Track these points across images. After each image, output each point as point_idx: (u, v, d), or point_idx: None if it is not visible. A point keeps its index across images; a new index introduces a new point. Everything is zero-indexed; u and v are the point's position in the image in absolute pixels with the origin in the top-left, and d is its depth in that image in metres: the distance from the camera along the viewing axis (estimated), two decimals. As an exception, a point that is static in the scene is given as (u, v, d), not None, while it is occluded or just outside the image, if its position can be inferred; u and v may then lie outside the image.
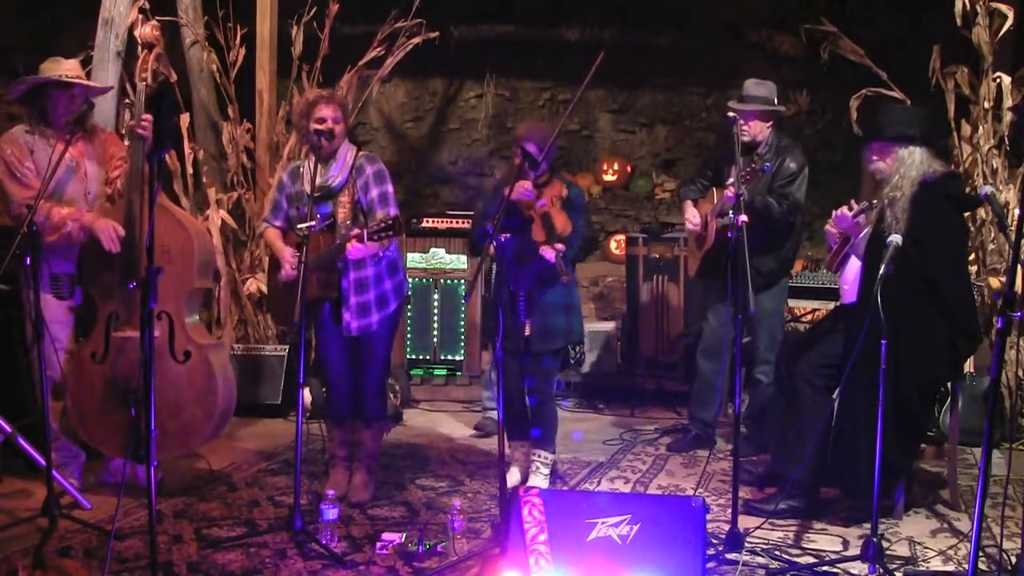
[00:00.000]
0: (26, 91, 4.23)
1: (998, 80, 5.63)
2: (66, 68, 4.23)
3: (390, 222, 3.90)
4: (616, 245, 8.26)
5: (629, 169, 9.06)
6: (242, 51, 6.51)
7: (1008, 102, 5.58)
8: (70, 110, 4.19)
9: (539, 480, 4.43)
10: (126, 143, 4.36)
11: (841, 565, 3.61)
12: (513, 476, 4.49)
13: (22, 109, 4.30)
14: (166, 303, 4.16)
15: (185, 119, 6.35)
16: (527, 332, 4.16)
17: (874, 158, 4.13)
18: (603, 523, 3.18)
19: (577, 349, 4.55)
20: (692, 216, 5.17)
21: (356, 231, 3.98)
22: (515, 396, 4.32)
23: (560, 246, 4.08)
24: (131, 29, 5.62)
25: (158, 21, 5.62)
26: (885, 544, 3.71)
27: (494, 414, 5.28)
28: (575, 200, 4.28)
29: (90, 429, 4.27)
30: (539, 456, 4.43)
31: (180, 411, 4.20)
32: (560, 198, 4.19)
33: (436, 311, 6.67)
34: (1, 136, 4.29)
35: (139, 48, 4.41)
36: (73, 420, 4.30)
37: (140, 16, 5.62)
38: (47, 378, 3.89)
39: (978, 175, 5.72)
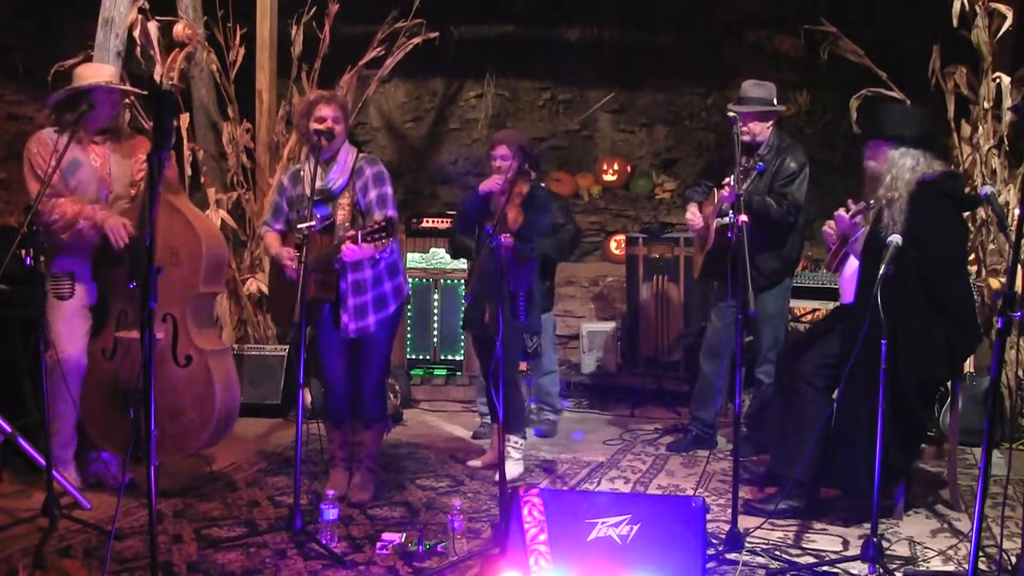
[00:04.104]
0: (66, 97, 4.23)
1: (998, 80, 5.63)
2: (108, 75, 4.31)
3: (383, 223, 3.89)
4: (616, 245, 8.26)
5: (629, 169, 9.05)
6: (242, 51, 6.51)
7: (1008, 102, 5.57)
8: (109, 115, 4.28)
9: (512, 465, 4.68)
10: None
11: (841, 565, 3.60)
12: (488, 457, 4.93)
13: (54, 113, 4.30)
14: (172, 306, 4.16)
15: (185, 119, 6.34)
16: (486, 318, 4.45)
17: (867, 156, 4.14)
18: (603, 523, 3.18)
19: (533, 339, 4.69)
20: (691, 217, 5.21)
21: (351, 233, 3.98)
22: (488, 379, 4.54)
23: (509, 237, 4.43)
24: (130, 29, 5.62)
25: (158, 21, 5.66)
26: (885, 544, 3.71)
27: (489, 419, 5.29)
28: (536, 199, 4.67)
29: (95, 425, 4.29)
30: (509, 440, 4.68)
31: (178, 415, 4.19)
32: (521, 195, 4.58)
33: (436, 311, 6.67)
34: (31, 136, 4.31)
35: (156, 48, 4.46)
36: (81, 415, 4.30)
37: (140, 16, 5.62)
38: (47, 378, 3.89)
39: (978, 175, 5.72)
